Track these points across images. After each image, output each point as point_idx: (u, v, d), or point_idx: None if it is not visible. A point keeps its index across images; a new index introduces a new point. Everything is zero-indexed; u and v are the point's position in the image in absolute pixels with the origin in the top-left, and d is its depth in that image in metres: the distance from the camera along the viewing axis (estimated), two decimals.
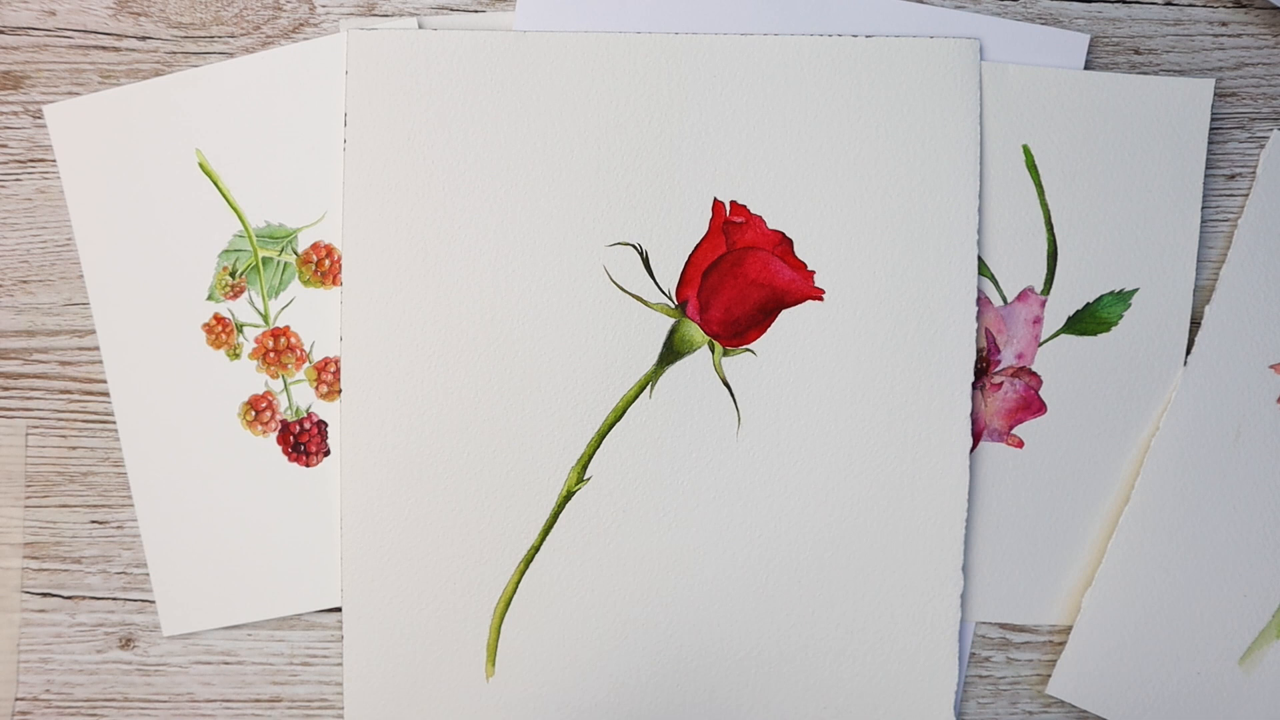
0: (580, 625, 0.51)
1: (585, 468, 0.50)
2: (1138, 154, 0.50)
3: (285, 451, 0.51)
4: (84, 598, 0.52)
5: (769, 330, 0.50)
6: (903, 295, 0.50)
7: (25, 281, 0.51)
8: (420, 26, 0.50)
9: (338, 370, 0.51)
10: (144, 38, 0.51)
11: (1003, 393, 0.51)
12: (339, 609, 0.51)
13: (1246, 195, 0.51)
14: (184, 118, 0.50)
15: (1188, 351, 0.51)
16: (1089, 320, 0.51)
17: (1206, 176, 0.51)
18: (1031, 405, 0.51)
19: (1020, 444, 0.51)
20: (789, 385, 0.50)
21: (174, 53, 0.51)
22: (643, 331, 0.50)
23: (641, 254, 0.50)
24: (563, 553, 0.51)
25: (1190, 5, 0.51)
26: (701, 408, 0.50)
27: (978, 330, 0.51)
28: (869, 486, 0.50)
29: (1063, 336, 0.51)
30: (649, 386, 0.50)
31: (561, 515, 0.50)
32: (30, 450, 0.52)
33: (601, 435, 0.50)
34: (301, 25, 0.51)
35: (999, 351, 0.51)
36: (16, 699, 0.52)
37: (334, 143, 0.50)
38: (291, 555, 0.51)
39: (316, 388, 0.51)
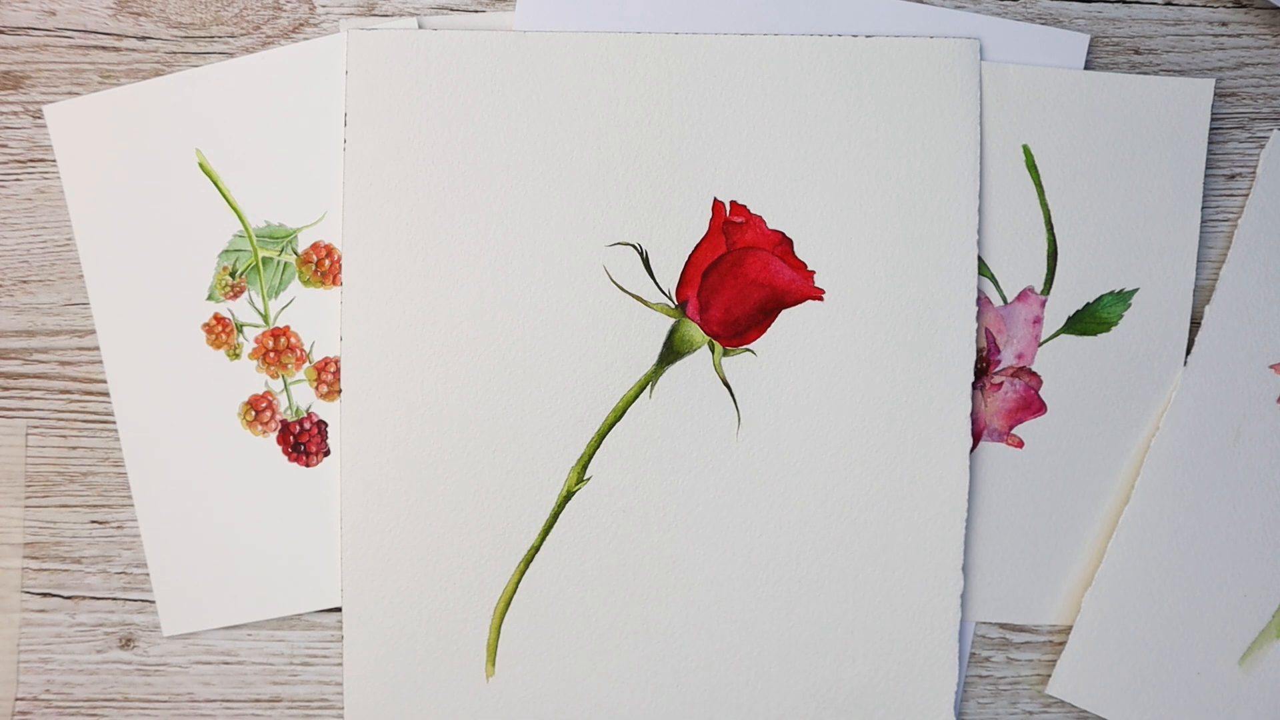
0: (580, 625, 0.51)
1: (585, 468, 0.50)
2: (1138, 154, 0.50)
3: (285, 451, 0.51)
4: (84, 598, 0.52)
5: (769, 330, 0.50)
6: (903, 295, 0.50)
7: (25, 281, 0.51)
8: (420, 26, 0.50)
9: (338, 370, 0.51)
10: (144, 38, 0.51)
11: (1003, 393, 0.51)
12: (339, 609, 0.51)
13: (1246, 195, 0.51)
14: (184, 118, 0.50)
15: (1188, 351, 0.51)
16: (1089, 320, 0.51)
17: (1206, 176, 0.51)
18: (1031, 405, 0.51)
19: (1020, 444, 0.51)
20: (789, 385, 0.50)
21: (174, 53, 0.51)
22: (643, 331, 0.50)
23: (641, 254, 0.50)
24: (563, 553, 0.51)
25: (1190, 5, 0.51)
26: (701, 408, 0.50)
27: (978, 330, 0.51)
28: (869, 486, 0.50)
29: (1063, 336, 0.51)
30: (649, 386, 0.50)
31: (561, 515, 0.50)
32: (30, 450, 0.52)
33: (601, 435, 0.50)
34: (301, 25, 0.51)
35: (999, 351, 0.51)
36: (16, 699, 0.52)
37: (334, 143, 0.50)
38: (291, 555, 0.51)
39: (316, 388, 0.51)
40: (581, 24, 0.50)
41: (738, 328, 0.50)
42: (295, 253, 0.51)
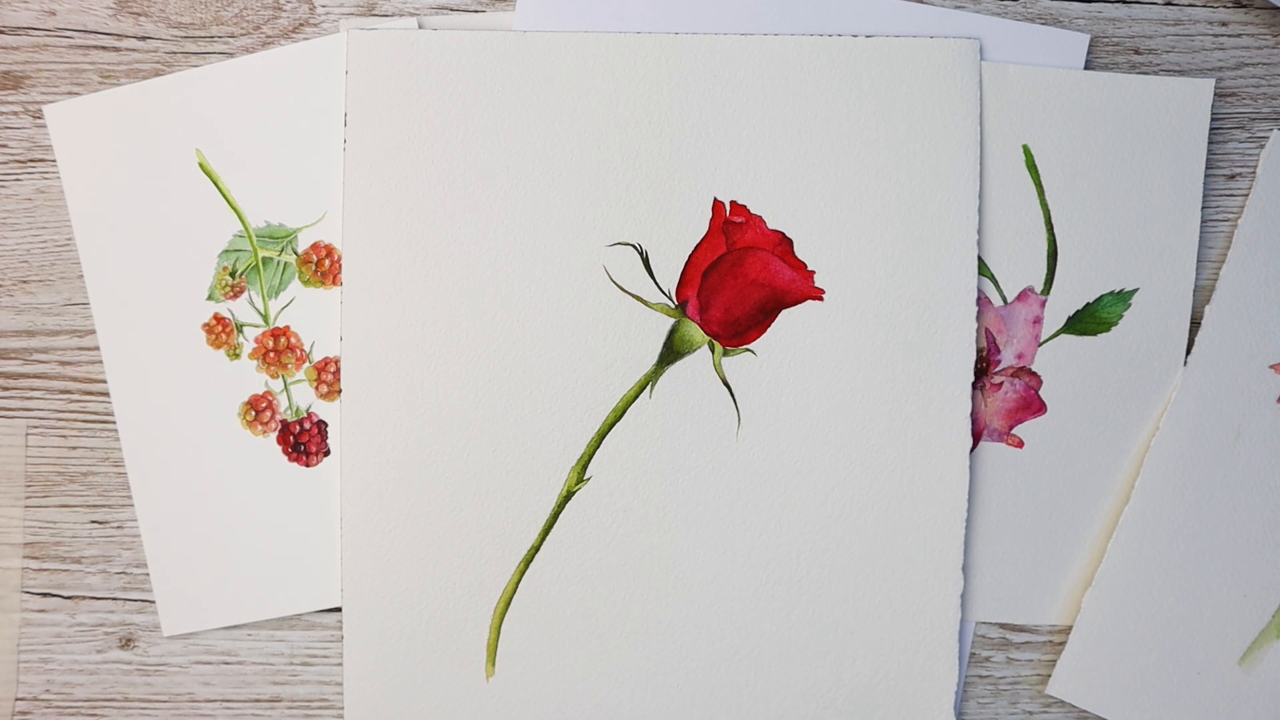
0: (580, 625, 0.51)
1: (585, 468, 0.50)
2: (1138, 154, 0.50)
3: (285, 451, 0.51)
4: (84, 598, 0.52)
5: (769, 330, 0.50)
6: (903, 295, 0.50)
7: (25, 281, 0.51)
8: (420, 26, 0.50)
9: (338, 370, 0.51)
10: (144, 38, 0.51)
11: (1003, 393, 0.51)
12: (339, 609, 0.51)
13: (1246, 195, 0.51)
14: (184, 118, 0.50)
15: (1188, 351, 0.51)
16: (1089, 320, 0.51)
17: (1206, 176, 0.51)
18: (1031, 405, 0.51)
19: (1020, 444, 0.51)
20: (789, 385, 0.50)
21: (174, 53, 0.51)
22: (643, 331, 0.50)
23: (641, 254, 0.50)
24: (563, 553, 0.51)
25: (1190, 5, 0.51)
26: (701, 408, 0.50)
27: (978, 330, 0.51)
28: (869, 486, 0.50)
29: (1063, 336, 0.51)
30: (649, 386, 0.50)
31: (561, 515, 0.50)
32: (30, 450, 0.52)
33: (601, 435, 0.50)
34: (301, 25, 0.51)
35: (999, 351, 0.51)
36: (16, 699, 0.52)
37: (334, 143, 0.50)
38: (291, 555, 0.51)
39: (316, 388, 0.51)
40: (581, 24, 0.50)
41: (738, 328, 0.50)
42: (295, 253, 0.51)
